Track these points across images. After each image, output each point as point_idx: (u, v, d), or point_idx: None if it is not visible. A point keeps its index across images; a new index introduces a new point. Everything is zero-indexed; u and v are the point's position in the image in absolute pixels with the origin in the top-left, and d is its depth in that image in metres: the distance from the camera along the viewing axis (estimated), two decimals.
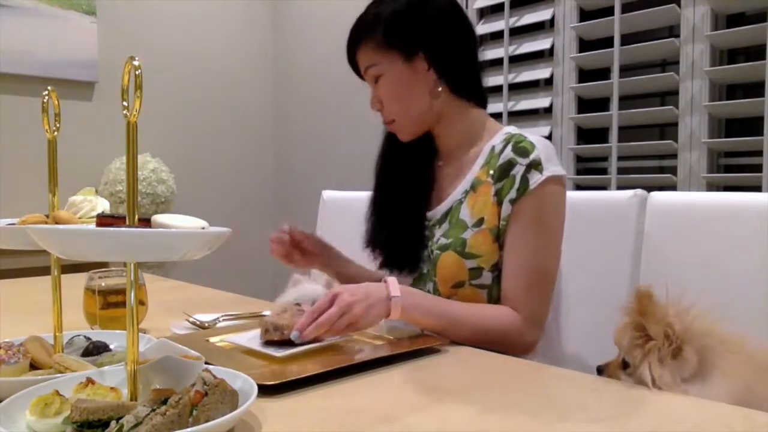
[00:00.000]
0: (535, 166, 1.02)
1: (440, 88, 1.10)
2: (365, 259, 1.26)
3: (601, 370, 0.83)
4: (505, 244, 1.05)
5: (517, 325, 1.01)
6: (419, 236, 1.14)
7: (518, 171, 1.03)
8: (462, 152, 1.15)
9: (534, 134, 1.09)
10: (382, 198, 1.21)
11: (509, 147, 1.06)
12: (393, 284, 0.95)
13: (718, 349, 0.74)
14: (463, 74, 1.13)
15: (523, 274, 1.03)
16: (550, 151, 1.06)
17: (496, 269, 1.05)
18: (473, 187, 1.09)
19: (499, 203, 1.05)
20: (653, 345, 0.74)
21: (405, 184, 1.18)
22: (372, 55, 1.09)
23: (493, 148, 1.10)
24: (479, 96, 1.16)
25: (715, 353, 0.74)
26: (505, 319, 1.01)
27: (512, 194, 1.03)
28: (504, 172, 1.05)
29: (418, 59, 1.08)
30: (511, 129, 1.13)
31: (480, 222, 1.06)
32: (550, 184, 1.03)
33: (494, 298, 1.06)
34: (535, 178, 1.02)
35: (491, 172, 1.07)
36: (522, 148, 1.05)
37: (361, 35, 1.10)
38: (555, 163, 1.04)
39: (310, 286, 1.27)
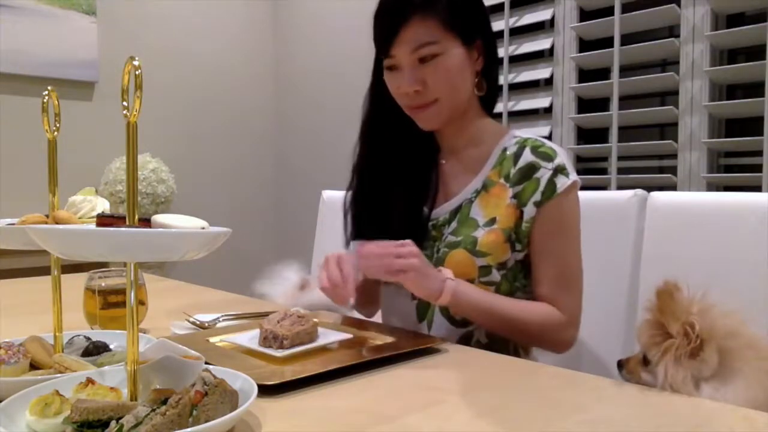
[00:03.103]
0: (561, 170, 1.04)
1: (484, 83, 1.10)
2: None
3: (621, 365, 0.82)
4: (534, 248, 1.06)
5: (561, 324, 1.04)
6: (422, 237, 1.11)
7: (543, 174, 1.04)
8: (467, 151, 1.14)
9: (543, 138, 1.10)
10: (377, 198, 1.15)
11: (527, 151, 1.06)
12: (447, 271, 1.00)
13: (744, 354, 0.72)
14: (496, 74, 1.14)
15: (560, 277, 1.05)
16: (566, 156, 1.08)
17: (503, 267, 1.06)
18: (485, 187, 1.09)
19: (520, 205, 1.05)
20: (671, 343, 0.73)
21: (405, 183, 1.13)
22: (434, 32, 1.01)
23: (504, 149, 1.10)
24: (494, 101, 1.17)
25: (740, 357, 0.72)
26: (551, 319, 1.04)
27: (537, 197, 1.04)
28: (524, 175, 1.05)
29: (475, 47, 1.07)
30: (517, 131, 1.13)
31: (492, 221, 1.06)
32: (573, 189, 1.06)
33: (502, 294, 1.07)
34: (562, 182, 1.04)
35: (507, 173, 1.07)
36: (544, 153, 1.06)
37: (417, 8, 1.00)
38: (572, 169, 1.07)
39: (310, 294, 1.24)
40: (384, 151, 1.15)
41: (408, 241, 0.98)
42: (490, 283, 1.06)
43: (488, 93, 1.13)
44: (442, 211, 1.12)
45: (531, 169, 1.05)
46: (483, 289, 1.05)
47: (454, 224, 1.09)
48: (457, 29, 1.03)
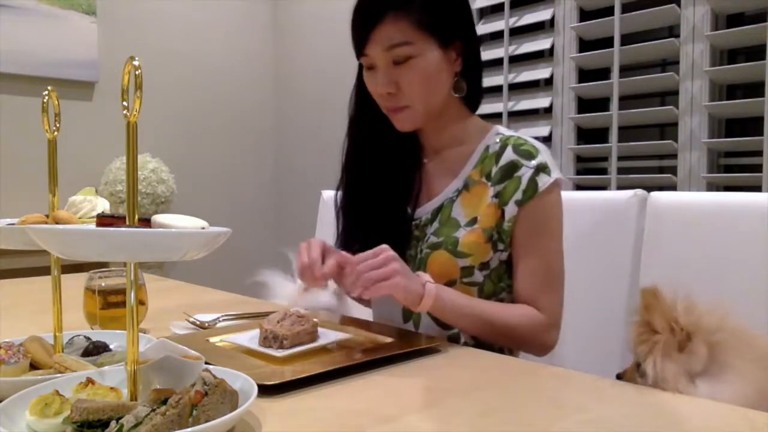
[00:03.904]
0: (543, 169, 1.03)
1: (464, 84, 1.08)
2: None
3: (619, 378, 0.82)
4: (516, 248, 1.05)
5: (543, 325, 1.03)
6: (405, 236, 1.11)
7: (525, 173, 1.03)
8: (450, 151, 1.13)
9: (527, 136, 1.09)
10: (362, 197, 1.14)
11: (509, 149, 1.06)
12: (426, 276, 0.97)
13: (731, 344, 0.73)
14: (478, 75, 1.12)
15: (541, 277, 1.04)
16: (548, 154, 1.07)
17: (486, 267, 1.05)
18: (466, 186, 1.08)
19: (501, 204, 1.04)
20: (658, 338, 0.73)
21: (389, 183, 1.12)
22: (407, 33, 0.99)
23: (487, 148, 1.09)
24: (478, 100, 1.15)
25: (728, 349, 0.72)
26: (533, 320, 1.02)
27: (518, 195, 1.03)
28: (506, 174, 1.04)
29: (453, 48, 1.04)
30: (502, 129, 1.12)
31: (473, 221, 1.05)
32: (555, 188, 1.05)
33: (485, 295, 1.06)
34: (544, 181, 1.03)
35: (488, 172, 1.06)
36: (525, 151, 1.05)
37: (390, 7, 0.98)
38: (555, 167, 1.06)
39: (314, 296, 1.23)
40: (368, 149, 1.14)
41: (384, 246, 0.93)
42: (472, 284, 1.05)
43: (471, 92, 1.11)
44: (424, 211, 1.11)
45: (512, 168, 1.04)
46: (464, 293, 1.04)
47: (435, 224, 1.08)
48: (432, 30, 1.00)
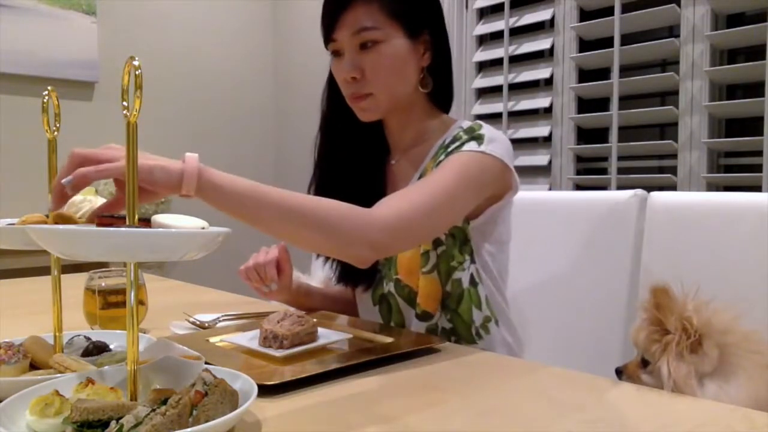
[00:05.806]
0: (478, 138, 1.02)
1: (430, 79, 1.07)
2: None
3: (619, 372, 0.82)
4: None
5: (369, 218, 0.86)
6: None
7: (460, 142, 1.02)
8: (414, 149, 1.12)
9: (498, 131, 1.07)
10: (332, 195, 1.04)
11: (461, 133, 1.05)
12: (190, 156, 0.82)
13: (742, 347, 0.73)
14: (447, 72, 1.11)
15: (408, 191, 0.94)
16: (500, 139, 1.02)
17: (441, 244, 1.04)
18: (422, 177, 1.07)
19: None
20: (670, 339, 0.73)
21: (356, 182, 1.10)
22: (376, 18, 0.99)
23: (444, 140, 1.09)
24: (449, 100, 1.14)
25: (738, 352, 0.72)
26: (353, 210, 0.86)
27: (442, 158, 1.02)
28: (447, 148, 1.04)
29: (421, 39, 1.04)
30: (465, 123, 1.10)
31: None
32: (478, 154, 0.99)
33: (441, 272, 1.05)
34: (470, 146, 1.00)
35: (440, 160, 1.05)
36: (469, 128, 1.05)
37: None
38: (500, 147, 1.00)
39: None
40: (337, 146, 1.13)
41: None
42: (431, 271, 1.04)
43: (440, 91, 1.10)
44: None
45: (453, 141, 1.04)
46: (433, 283, 1.02)
47: None
48: (400, 18, 1.01)
